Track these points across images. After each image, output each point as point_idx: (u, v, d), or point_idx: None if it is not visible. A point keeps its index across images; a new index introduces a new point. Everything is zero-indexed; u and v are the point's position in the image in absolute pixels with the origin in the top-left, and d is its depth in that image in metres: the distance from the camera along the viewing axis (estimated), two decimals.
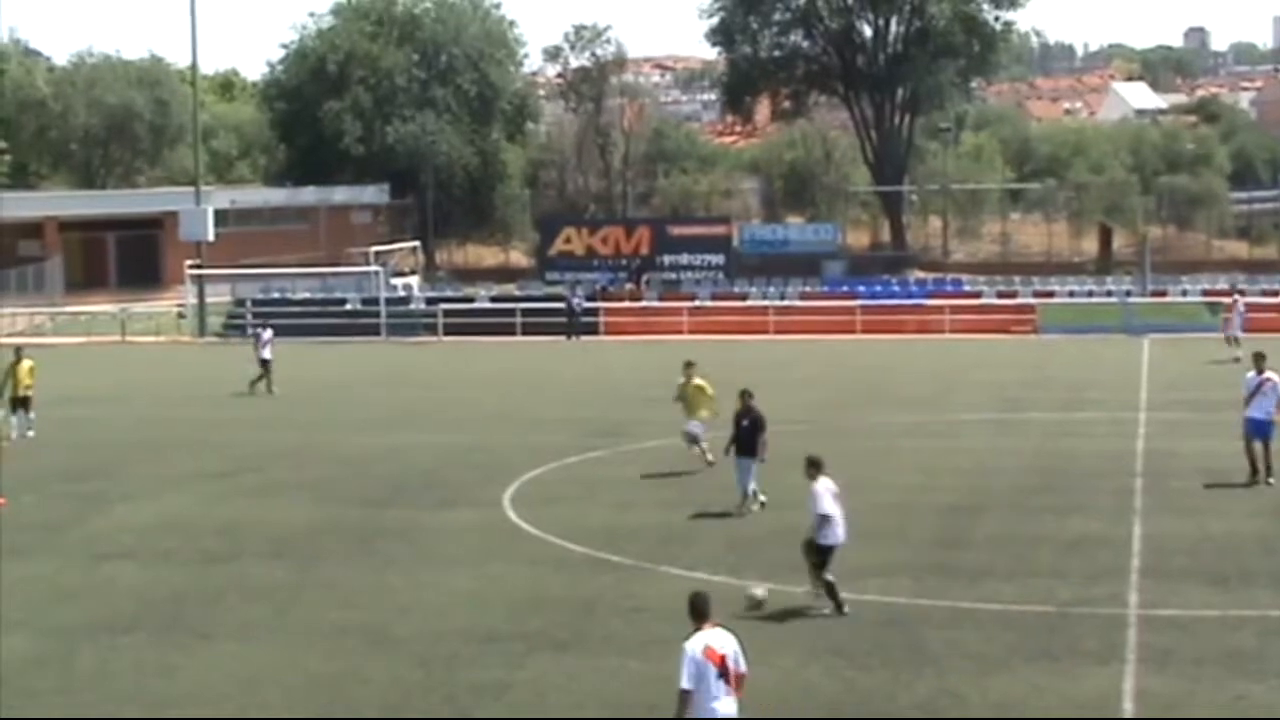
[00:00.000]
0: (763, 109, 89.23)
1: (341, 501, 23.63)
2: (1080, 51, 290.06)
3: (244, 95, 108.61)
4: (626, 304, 60.68)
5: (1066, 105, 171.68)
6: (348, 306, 59.66)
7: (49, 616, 17.23)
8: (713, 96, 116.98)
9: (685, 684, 10.64)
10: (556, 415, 33.58)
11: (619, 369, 44.10)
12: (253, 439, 30.51)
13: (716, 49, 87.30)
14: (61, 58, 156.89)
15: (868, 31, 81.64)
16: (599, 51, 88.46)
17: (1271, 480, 23.20)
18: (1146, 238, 70.30)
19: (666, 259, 66.97)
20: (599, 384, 40.12)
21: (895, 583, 17.78)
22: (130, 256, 75.58)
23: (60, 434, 31.11)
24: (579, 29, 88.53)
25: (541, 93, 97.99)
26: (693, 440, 25.22)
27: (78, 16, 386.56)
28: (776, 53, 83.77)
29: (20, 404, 31.34)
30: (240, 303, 61.34)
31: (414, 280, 67.63)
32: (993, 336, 51.69)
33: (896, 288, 64.56)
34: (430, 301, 60.51)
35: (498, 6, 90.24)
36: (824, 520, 16.61)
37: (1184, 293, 57.87)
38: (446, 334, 55.72)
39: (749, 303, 60.18)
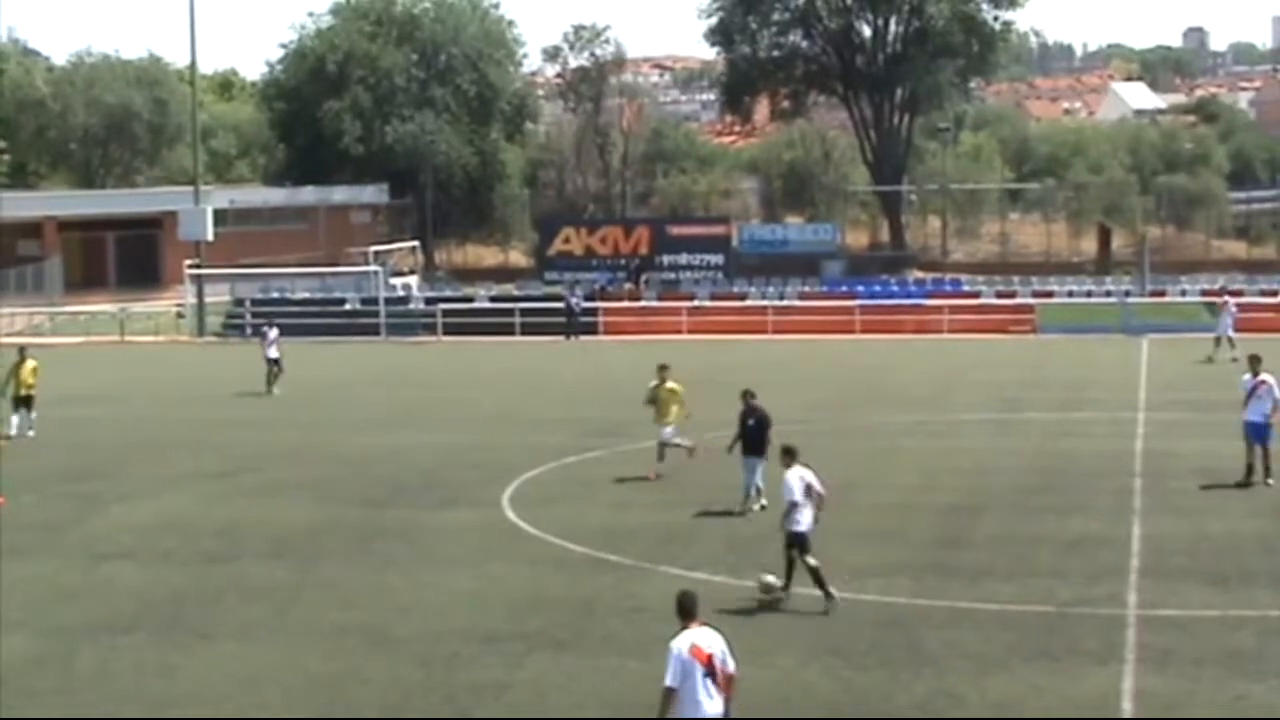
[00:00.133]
0: (762, 109, 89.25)
1: (341, 501, 23.63)
2: (1079, 51, 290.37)
3: (243, 95, 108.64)
4: (625, 304, 60.69)
5: (1065, 105, 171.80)
6: (347, 306, 59.65)
7: (49, 616, 17.23)
8: (712, 96, 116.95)
9: (669, 681, 10.65)
10: (556, 415, 33.59)
11: (618, 369, 44.06)
12: (252, 439, 30.51)
13: (715, 49, 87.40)
14: (60, 57, 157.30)
15: (867, 31, 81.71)
16: (598, 51, 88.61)
17: (1271, 481, 23.21)
18: (1145, 238, 70.38)
19: (665, 259, 67.02)
20: (598, 384, 40.11)
21: (894, 583, 17.79)
22: (129, 256, 75.56)
23: (60, 434, 31.11)
24: (578, 29, 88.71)
25: (540, 93, 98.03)
26: (664, 446, 24.72)
27: (76, 16, 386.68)
28: (775, 53, 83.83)
29: (22, 403, 31.41)
30: (239, 302, 61.34)
31: (413, 280, 67.67)
32: (992, 336, 51.70)
33: (895, 288, 64.60)
34: (429, 301, 60.52)
35: (497, 6, 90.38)
36: (792, 507, 16.85)
37: (1183, 293, 57.91)
38: (446, 334, 55.72)
39: (748, 303, 60.19)
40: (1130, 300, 55.92)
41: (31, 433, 31.08)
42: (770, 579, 16.83)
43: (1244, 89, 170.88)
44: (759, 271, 66.83)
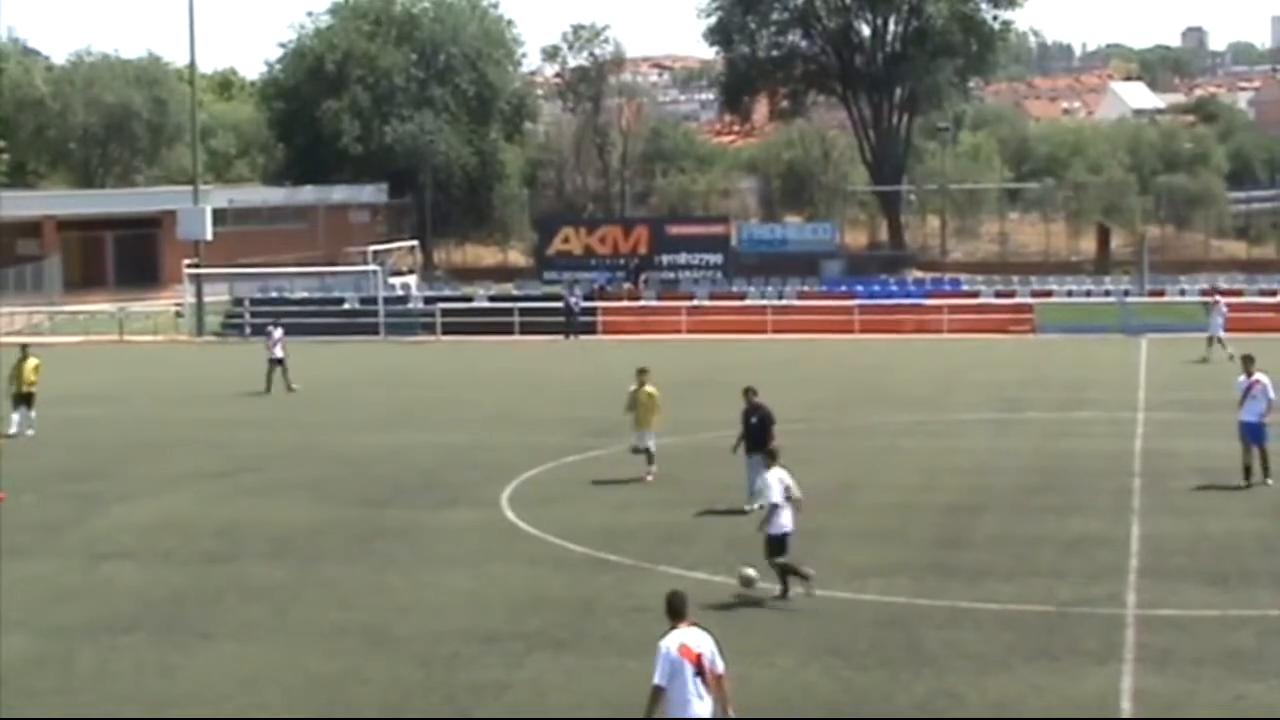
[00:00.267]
0: (761, 108, 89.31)
1: (341, 501, 23.63)
2: (1078, 51, 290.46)
3: (242, 94, 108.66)
4: (625, 303, 60.71)
5: (1065, 105, 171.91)
6: (346, 306, 59.66)
7: (49, 616, 17.23)
8: (711, 96, 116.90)
9: (658, 680, 10.68)
10: (555, 415, 33.59)
11: (617, 368, 43.90)
12: (252, 439, 30.51)
13: (714, 48, 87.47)
14: (60, 57, 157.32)
15: (866, 31, 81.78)
16: (597, 51, 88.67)
17: (1271, 480, 23.20)
18: (1144, 237, 70.42)
19: (664, 258, 67.08)
20: (598, 383, 40.07)
21: (894, 582, 17.79)
22: (128, 256, 75.57)
23: (59, 433, 31.11)
24: (577, 29, 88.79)
25: (540, 92, 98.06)
26: (637, 451, 24.56)
27: (76, 16, 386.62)
28: (774, 52, 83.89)
29: (23, 401, 31.45)
30: (238, 302, 61.36)
31: (412, 279, 67.71)
32: (991, 336, 51.72)
33: (895, 287, 64.65)
34: (428, 301, 60.57)
35: (496, 6, 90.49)
36: (773, 509, 17.02)
37: (1182, 292, 57.94)
38: (445, 333, 55.73)
39: (747, 302, 60.24)
40: (1129, 300, 55.95)
41: (31, 431, 31.10)
42: (750, 572, 16.92)
43: (1243, 89, 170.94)
44: (758, 271, 66.88)
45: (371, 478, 25.68)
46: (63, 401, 34.83)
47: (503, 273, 77.84)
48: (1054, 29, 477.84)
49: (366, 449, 28.85)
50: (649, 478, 24.46)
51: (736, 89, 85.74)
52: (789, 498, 17.21)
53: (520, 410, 34.89)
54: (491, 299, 62.58)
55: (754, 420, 21.94)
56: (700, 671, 10.77)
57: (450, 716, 13.77)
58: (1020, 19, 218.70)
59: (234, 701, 14.18)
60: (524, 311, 57.17)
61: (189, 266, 59.84)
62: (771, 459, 17.55)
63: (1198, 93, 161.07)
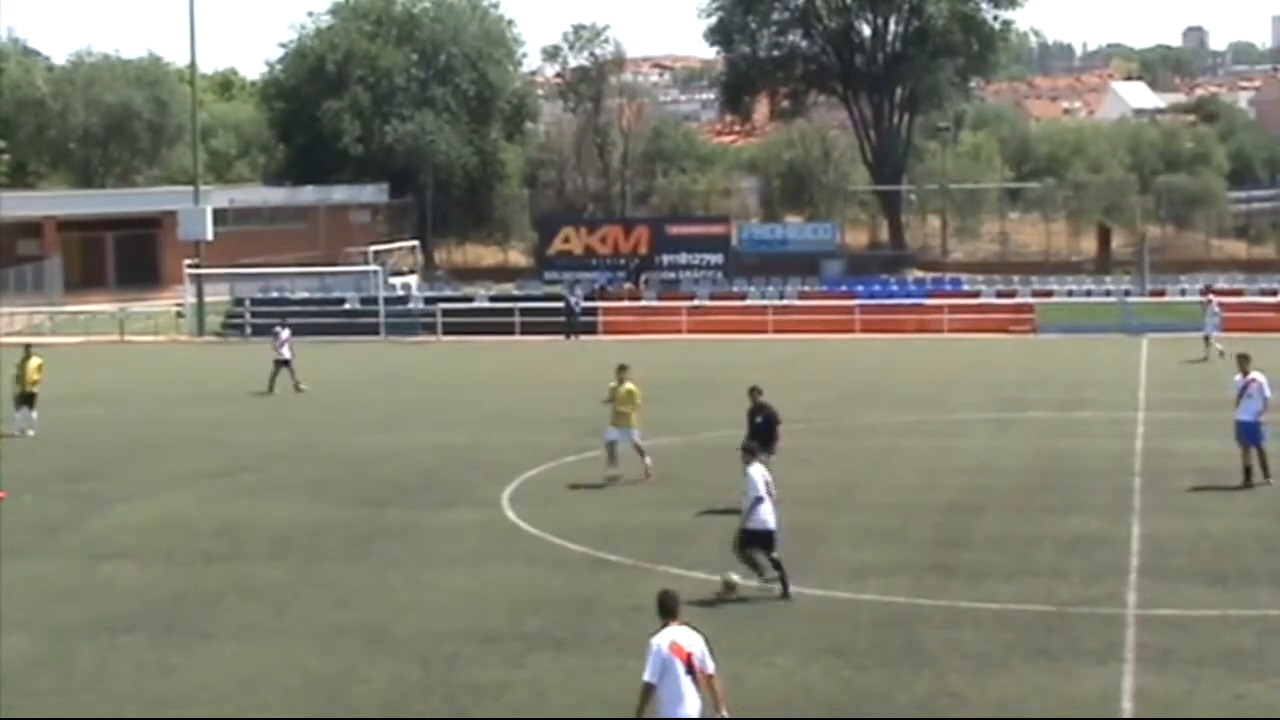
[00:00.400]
0: (761, 108, 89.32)
1: (341, 501, 23.63)
2: (1079, 51, 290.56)
3: (243, 94, 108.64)
4: (625, 303, 60.71)
5: (1065, 105, 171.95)
6: (346, 306, 59.65)
7: (49, 616, 17.22)
8: (711, 96, 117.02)
9: (649, 677, 10.76)
10: (555, 415, 33.57)
11: None
12: (252, 439, 30.50)
13: (715, 48, 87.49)
14: (60, 57, 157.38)
15: (866, 31, 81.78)
16: (598, 51, 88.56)
17: (1271, 480, 23.16)
18: (1145, 237, 70.42)
19: (665, 258, 67.06)
20: (598, 384, 39.89)
21: (894, 582, 17.79)
22: (129, 256, 75.60)
23: (60, 433, 31.10)
24: (577, 28, 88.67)
25: (540, 92, 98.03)
26: (611, 449, 24.49)
27: (76, 16, 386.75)
28: (775, 52, 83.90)
29: (25, 400, 31.46)
30: (239, 302, 61.36)
31: (413, 280, 67.72)
32: (991, 336, 51.71)
33: (895, 287, 64.64)
34: (429, 301, 60.56)
35: (496, 6, 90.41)
36: (757, 503, 17.15)
37: (1182, 292, 57.90)
38: (445, 333, 55.72)
39: (748, 302, 60.24)
40: (1130, 300, 55.95)
41: (31, 432, 31.09)
42: (733, 577, 17.08)
43: (1244, 88, 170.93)
44: (758, 271, 66.87)
45: (371, 478, 25.68)
46: (63, 401, 34.82)
47: (503, 273, 77.85)
48: (1054, 29, 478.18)
49: (366, 449, 28.84)
50: (612, 471, 24.36)
51: (737, 89, 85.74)
52: (770, 493, 17.32)
53: (520, 410, 34.89)
54: (492, 299, 62.58)
55: (759, 420, 22.02)
56: (690, 670, 10.83)
57: (450, 716, 13.77)
58: (1021, 19, 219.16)
59: (234, 701, 14.18)
60: (524, 311, 57.16)
61: (189, 267, 59.85)
62: (750, 455, 17.69)
63: (1198, 92, 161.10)
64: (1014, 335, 52.03)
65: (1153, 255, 66.52)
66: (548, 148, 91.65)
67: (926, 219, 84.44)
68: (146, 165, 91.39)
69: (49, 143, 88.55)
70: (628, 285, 64.59)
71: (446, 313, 57.31)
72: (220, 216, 65.84)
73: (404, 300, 60.74)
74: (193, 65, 64.89)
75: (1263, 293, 57.10)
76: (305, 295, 61.80)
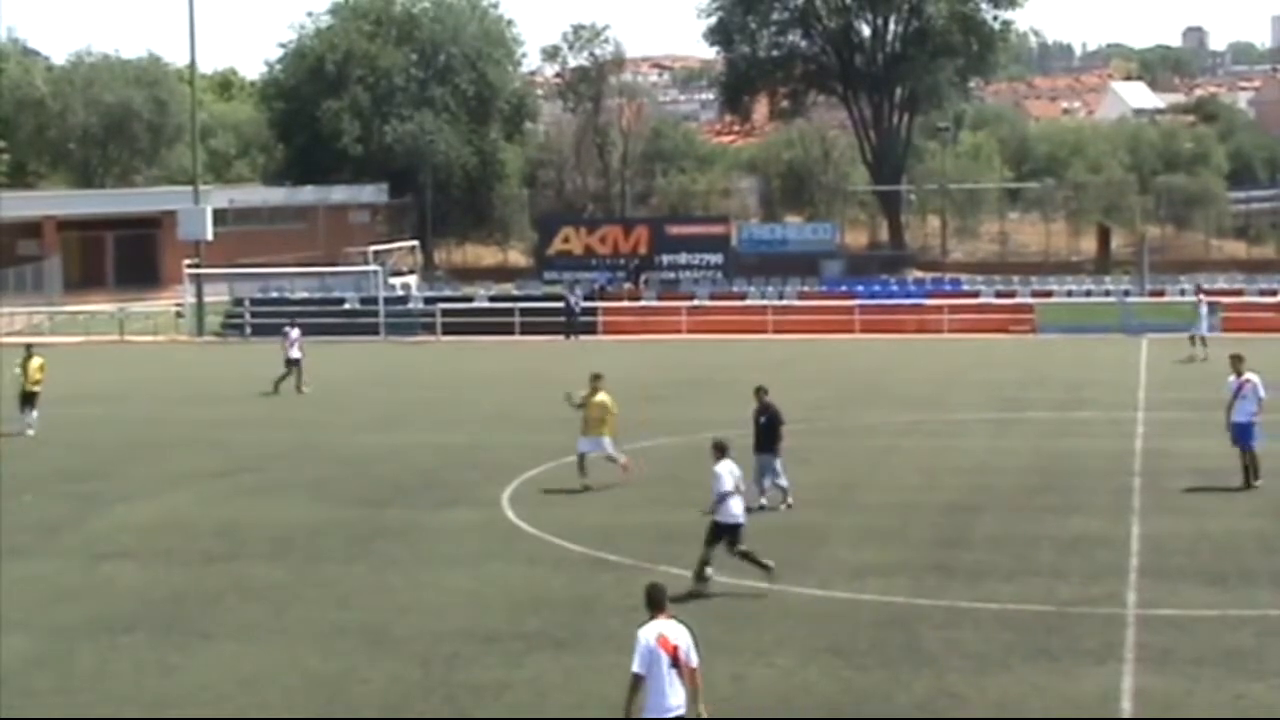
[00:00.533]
0: (761, 108, 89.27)
1: (341, 501, 23.63)
2: (1078, 51, 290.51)
3: (242, 94, 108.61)
4: (625, 303, 60.69)
5: (1065, 105, 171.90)
6: (346, 306, 59.63)
7: (49, 616, 17.23)
8: (711, 96, 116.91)
9: (637, 668, 10.87)
10: (555, 415, 33.40)
11: (617, 369, 43.89)
12: (252, 439, 30.51)
13: (715, 48, 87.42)
14: (60, 57, 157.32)
15: (866, 31, 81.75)
16: (597, 51, 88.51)
17: (1257, 482, 23.03)
18: (1145, 237, 70.38)
19: (665, 258, 66.99)
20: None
21: (894, 582, 17.80)
22: (128, 256, 75.55)
23: (59, 433, 31.11)
24: (577, 29, 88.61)
25: (540, 92, 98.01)
26: (582, 460, 24.16)
27: (76, 16, 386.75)
28: (775, 52, 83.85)
29: (26, 400, 31.48)
30: (238, 302, 61.35)
31: (412, 280, 67.69)
32: (991, 336, 51.71)
33: (895, 287, 64.61)
34: (429, 301, 60.54)
35: (496, 6, 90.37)
36: (723, 498, 17.38)
37: (1182, 292, 57.81)
38: (445, 333, 55.72)
39: (747, 302, 60.21)
40: (1129, 300, 55.93)
41: (31, 431, 31.10)
42: (707, 570, 17.37)
43: (1243, 89, 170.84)
44: (758, 271, 66.82)
45: (371, 478, 25.68)
46: (63, 401, 34.82)
47: (503, 273, 77.81)
48: (1054, 29, 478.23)
49: (366, 449, 28.85)
50: (623, 472, 24.02)
51: (736, 89, 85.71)
52: (739, 489, 17.57)
53: (520, 410, 34.89)
54: (492, 299, 62.57)
55: (763, 419, 22.03)
56: (676, 663, 10.94)
57: (450, 716, 13.78)
58: (1020, 19, 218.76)
59: (234, 701, 14.18)
60: (524, 311, 57.15)
61: (189, 267, 59.84)
62: (720, 452, 17.86)
63: (1198, 93, 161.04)
64: (1014, 335, 52.02)
65: (1152, 255, 66.49)
66: (547, 148, 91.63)
67: (926, 219, 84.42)
68: (146, 165, 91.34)
69: (49, 143, 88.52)
70: (627, 285, 64.56)
71: (446, 313, 57.31)
72: (220, 216, 65.81)
73: (404, 300, 60.73)
74: (192, 65, 64.91)
75: (1262, 293, 57.08)
76: (305, 295, 61.76)
